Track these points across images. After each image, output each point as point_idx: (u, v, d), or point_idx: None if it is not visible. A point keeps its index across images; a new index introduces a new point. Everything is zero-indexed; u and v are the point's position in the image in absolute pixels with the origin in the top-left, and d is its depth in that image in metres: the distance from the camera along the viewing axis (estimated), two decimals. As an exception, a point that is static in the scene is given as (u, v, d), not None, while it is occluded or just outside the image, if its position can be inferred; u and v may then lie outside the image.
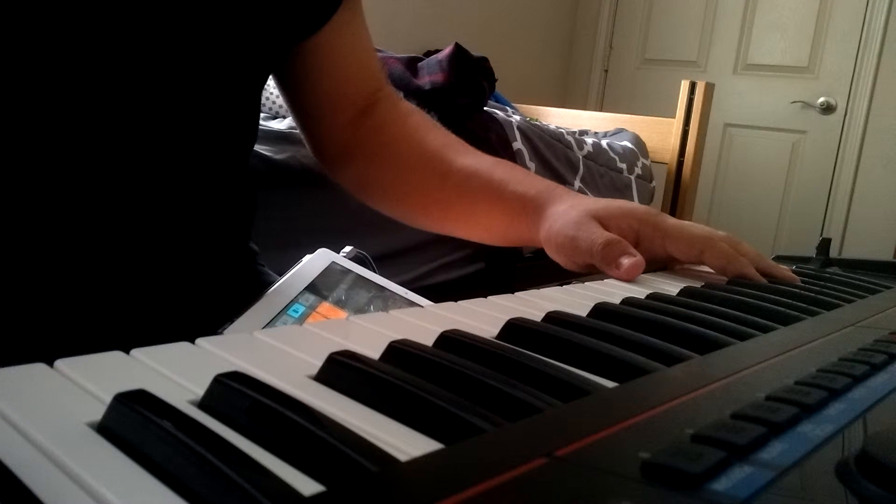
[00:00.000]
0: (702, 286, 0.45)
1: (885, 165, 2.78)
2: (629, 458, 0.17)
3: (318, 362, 0.24)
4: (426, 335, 0.28)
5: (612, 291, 0.43)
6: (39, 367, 0.22)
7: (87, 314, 0.46)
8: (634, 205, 0.55)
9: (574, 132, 2.13)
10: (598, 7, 3.39)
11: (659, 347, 0.29)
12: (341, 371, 0.23)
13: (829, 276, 0.55)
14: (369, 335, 0.29)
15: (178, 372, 0.23)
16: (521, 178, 0.59)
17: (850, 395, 0.24)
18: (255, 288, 0.52)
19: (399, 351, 0.26)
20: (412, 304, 0.53)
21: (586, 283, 0.45)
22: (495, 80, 1.81)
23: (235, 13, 0.49)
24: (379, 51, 1.82)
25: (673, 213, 2.20)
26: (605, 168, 2.07)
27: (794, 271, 0.54)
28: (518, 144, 1.77)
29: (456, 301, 0.36)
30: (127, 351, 0.24)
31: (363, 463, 0.17)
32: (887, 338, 0.33)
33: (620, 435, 0.19)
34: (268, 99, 1.54)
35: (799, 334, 0.34)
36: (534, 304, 0.38)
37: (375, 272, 0.56)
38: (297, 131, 0.68)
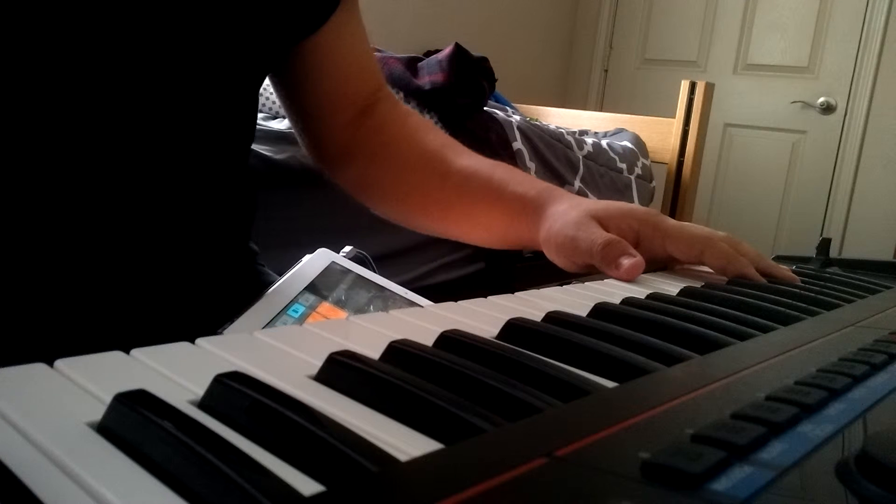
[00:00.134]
0: (702, 286, 0.45)
1: (885, 165, 2.78)
2: (629, 458, 0.17)
3: (318, 362, 0.24)
4: (426, 335, 0.28)
5: (612, 291, 0.43)
6: (39, 367, 0.22)
7: (87, 314, 0.46)
8: (634, 206, 0.55)
9: (574, 132, 2.13)
10: (598, 7, 3.39)
11: (659, 347, 0.29)
12: (341, 371, 0.23)
13: (829, 276, 0.55)
14: (369, 335, 0.29)
15: (178, 372, 0.23)
16: (521, 179, 0.59)
17: (850, 395, 0.24)
18: (255, 288, 0.52)
19: (399, 351, 0.26)
20: (412, 304, 0.53)
21: (586, 283, 0.45)
22: (495, 80, 1.81)
23: (234, 13, 0.49)
24: (379, 51, 1.82)
25: (673, 213, 2.21)
26: (605, 168, 2.07)
27: (794, 271, 0.54)
28: (518, 144, 1.77)
29: (456, 301, 0.36)
30: (127, 351, 0.24)
31: (363, 463, 0.17)
32: (887, 338, 0.33)
33: (620, 435, 0.19)
34: (268, 99, 1.54)
35: (799, 334, 0.34)
36: (534, 304, 0.38)
37: (375, 272, 0.56)
38: (297, 132, 0.68)
